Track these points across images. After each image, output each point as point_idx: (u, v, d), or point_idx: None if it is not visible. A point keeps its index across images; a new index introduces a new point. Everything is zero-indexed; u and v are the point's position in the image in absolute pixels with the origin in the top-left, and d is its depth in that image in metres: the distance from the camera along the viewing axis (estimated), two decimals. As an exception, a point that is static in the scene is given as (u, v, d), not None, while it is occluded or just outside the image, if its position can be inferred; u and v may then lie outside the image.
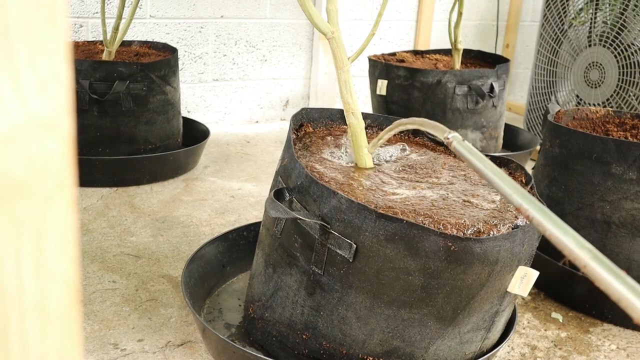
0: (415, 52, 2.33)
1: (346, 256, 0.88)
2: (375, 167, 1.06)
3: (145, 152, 1.77)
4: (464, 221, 0.89)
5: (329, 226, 0.89)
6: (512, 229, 0.91)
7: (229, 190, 1.72)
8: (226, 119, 2.46)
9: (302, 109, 1.16)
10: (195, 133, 2.01)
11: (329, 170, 1.00)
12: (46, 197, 0.23)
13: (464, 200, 0.97)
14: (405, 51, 2.31)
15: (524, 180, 1.09)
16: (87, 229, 1.41)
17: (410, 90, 2.00)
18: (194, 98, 2.37)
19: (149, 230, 1.43)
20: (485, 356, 0.96)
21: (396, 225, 0.85)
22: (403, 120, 1.01)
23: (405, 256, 0.86)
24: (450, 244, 0.85)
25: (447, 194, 0.98)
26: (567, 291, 1.27)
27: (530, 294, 1.30)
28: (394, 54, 2.25)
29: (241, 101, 2.47)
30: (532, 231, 0.92)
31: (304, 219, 0.91)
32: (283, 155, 1.03)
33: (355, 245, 0.87)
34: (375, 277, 0.88)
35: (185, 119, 2.03)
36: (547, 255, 1.29)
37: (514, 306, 1.05)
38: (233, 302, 1.15)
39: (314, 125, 1.19)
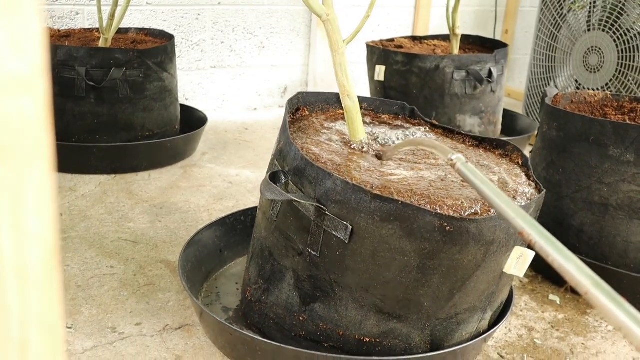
0: (414, 38, 2.32)
1: (342, 238, 0.88)
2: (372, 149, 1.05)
3: (143, 139, 1.76)
4: (461, 202, 0.89)
5: (324, 208, 0.89)
6: (508, 209, 0.90)
7: (227, 177, 1.72)
8: (224, 106, 2.45)
9: (298, 93, 1.15)
10: (193, 120, 2.00)
11: (326, 152, 1.00)
12: (23, 157, 0.23)
13: (463, 181, 0.97)
14: (403, 37, 2.30)
15: (520, 162, 1.08)
16: (85, 215, 1.41)
17: (408, 75, 1.99)
18: (192, 85, 2.36)
19: (147, 216, 1.43)
20: (482, 337, 0.97)
21: (391, 205, 0.85)
22: (412, 139, 1.06)
23: (401, 237, 0.86)
24: (446, 224, 0.85)
25: (446, 175, 0.98)
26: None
27: (527, 276, 1.30)
28: (392, 40, 2.24)
29: (239, 88, 2.46)
30: (529, 211, 0.92)
31: (299, 201, 0.90)
32: (279, 138, 1.03)
33: (350, 227, 0.87)
34: (371, 258, 0.88)
35: (183, 106, 2.03)
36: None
37: (511, 288, 1.05)
38: (231, 286, 1.15)
39: (310, 109, 1.18)
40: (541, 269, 1.31)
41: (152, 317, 1.06)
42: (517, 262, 0.91)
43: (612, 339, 1.11)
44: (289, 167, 0.96)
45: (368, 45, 2.11)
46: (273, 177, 0.96)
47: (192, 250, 1.13)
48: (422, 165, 1.01)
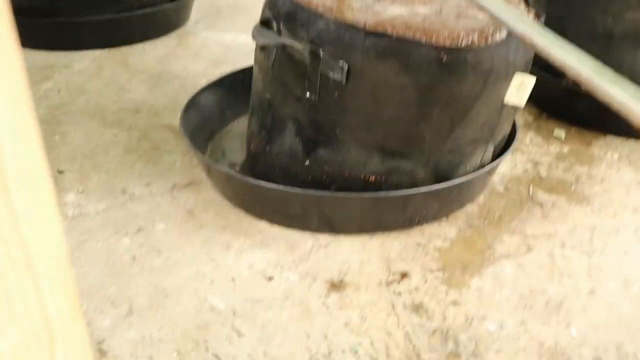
0: None
1: (338, 79, 0.87)
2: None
3: (133, 10, 1.71)
4: (458, 32, 0.86)
5: (319, 50, 0.87)
6: (507, 36, 0.88)
7: (223, 43, 1.68)
8: (215, -26, 2.35)
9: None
10: (184, -11, 1.92)
11: (317, -3, 0.96)
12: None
13: (458, 14, 0.93)
14: None
15: (520, -7, 1.04)
16: (82, 90, 1.40)
17: None
18: (179, -46, 2.25)
19: (146, 85, 1.42)
20: (485, 168, 0.97)
21: (386, 40, 0.83)
22: None
23: (398, 72, 0.84)
24: (442, 55, 0.83)
25: (441, 9, 0.95)
26: (569, 108, 1.26)
27: (532, 114, 1.29)
28: None
29: (228, -46, 2.35)
30: (529, 38, 0.90)
31: (292, 44, 0.88)
32: (269, -13, 0.99)
33: (346, 66, 0.85)
34: (369, 96, 0.87)
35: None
36: (549, 74, 1.27)
37: (514, 122, 1.04)
38: (235, 143, 1.16)
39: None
40: (545, 106, 1.30)
41: (160, 178, 1.07)
42: (518, 91, 0.90)
43: (617, 166, 1.11)
44: (279, 13, 0.93)
45: None
46: (264, 23, 0.94)
47: (193, 110, 1.12)
48: (417, 2, 0.97)
